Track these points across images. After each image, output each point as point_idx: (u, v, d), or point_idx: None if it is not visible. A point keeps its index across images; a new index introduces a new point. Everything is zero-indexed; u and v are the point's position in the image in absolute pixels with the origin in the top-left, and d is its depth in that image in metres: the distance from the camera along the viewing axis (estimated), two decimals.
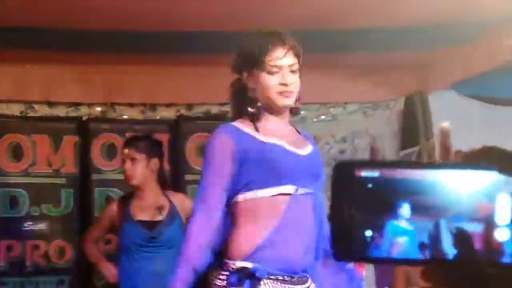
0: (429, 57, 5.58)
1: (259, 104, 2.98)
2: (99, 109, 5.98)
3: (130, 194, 4.77)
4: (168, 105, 6.02)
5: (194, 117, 6.07)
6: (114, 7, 4.39)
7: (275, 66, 2.95)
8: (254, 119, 2.98)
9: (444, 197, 0.77)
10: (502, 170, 0.76)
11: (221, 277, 2.88)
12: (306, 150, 3.04)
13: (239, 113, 3.05)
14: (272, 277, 2.83)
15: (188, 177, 5.91)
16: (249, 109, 2.99)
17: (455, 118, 6.33)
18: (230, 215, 2.94)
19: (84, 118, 5.93)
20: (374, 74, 5.91)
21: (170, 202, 4.66)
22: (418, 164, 0.81)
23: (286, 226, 2.87)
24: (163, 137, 5.55)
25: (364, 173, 0.79)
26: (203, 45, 5.14)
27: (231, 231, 2.93)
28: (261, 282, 2.81)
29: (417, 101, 6.07)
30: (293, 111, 3.08)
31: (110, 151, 5.83)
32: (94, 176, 5.81)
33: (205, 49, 5.25)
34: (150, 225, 4.57)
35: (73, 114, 5.94)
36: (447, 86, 5.59)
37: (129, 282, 4.57)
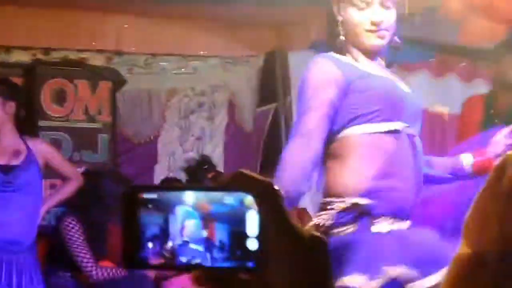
0: (290, 15, 5.66)
1: (342, 38, 2.63)
2: None
3: None
4: (24, 48, 5.83)
5: (50, 62, 5.92)
6: None
7: (364, 0, 2.60)
8: (341, 53, 2.65)
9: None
10: (251, 193, 0.98)
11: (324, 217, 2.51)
12: (406, 87, 2.73)
13: (330, 45, 2.70)
14: (386, 215, 2.54)
15: (42, 123, 5.79)
16: (337, 43, 2.65)
17: None
18: (331, 153, 2.59)
19: None
20: (236, 29, 5.93)
21: (27, 147, 4.54)
22: (186, 187, 1.13)
23: (396, 165, 2.56)
24: (17, 81, 5.37)
25: (145, 195, 1.00)
26: None
27: (331, 169, 2.58)
28: (376, 220, 2.53)
29: (276, 59, 6.16)
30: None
31: None
32: None
33: None
34: (6, 169, 4.44)
35: None
36: (307, 45, 5.69)
37: None
